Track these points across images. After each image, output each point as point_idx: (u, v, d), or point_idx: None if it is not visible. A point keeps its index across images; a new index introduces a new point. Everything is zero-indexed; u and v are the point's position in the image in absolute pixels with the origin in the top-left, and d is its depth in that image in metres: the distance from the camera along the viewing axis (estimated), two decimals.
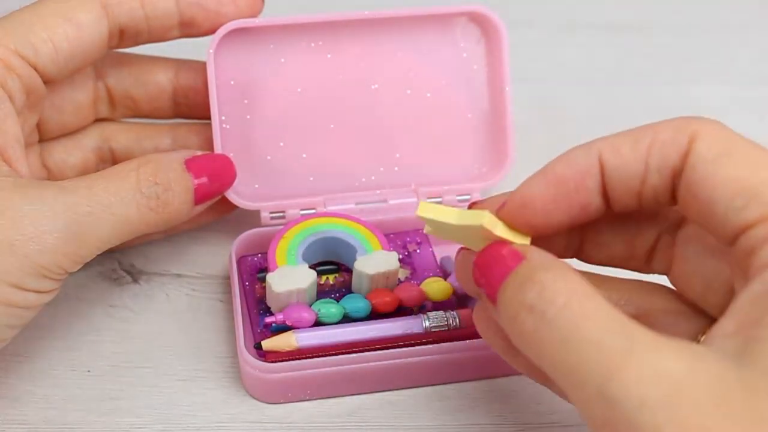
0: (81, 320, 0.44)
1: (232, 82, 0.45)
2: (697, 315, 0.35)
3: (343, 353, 0.40)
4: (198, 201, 0.41)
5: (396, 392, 0.41)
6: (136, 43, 0.43)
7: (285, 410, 0.41)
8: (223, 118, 0.45)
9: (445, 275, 0.44)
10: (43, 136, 0.45)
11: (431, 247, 0.46)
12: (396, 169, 0.48)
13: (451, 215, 0.35)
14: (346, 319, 0.42)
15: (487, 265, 0.33)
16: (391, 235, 0.46)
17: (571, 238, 0.37)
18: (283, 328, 0.41)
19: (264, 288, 0.43)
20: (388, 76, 0.47)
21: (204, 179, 0.41)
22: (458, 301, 0.43)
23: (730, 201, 0.30)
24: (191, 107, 0.46)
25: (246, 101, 0.46)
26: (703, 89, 0.59)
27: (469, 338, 0.41)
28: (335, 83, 0.46)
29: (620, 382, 0.27)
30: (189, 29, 0.43)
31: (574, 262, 0.36)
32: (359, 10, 0.45)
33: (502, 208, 0.34)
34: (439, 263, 0.46)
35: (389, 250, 0.44)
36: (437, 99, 0.47)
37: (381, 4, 0.46)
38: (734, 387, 0.27)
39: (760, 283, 0.29)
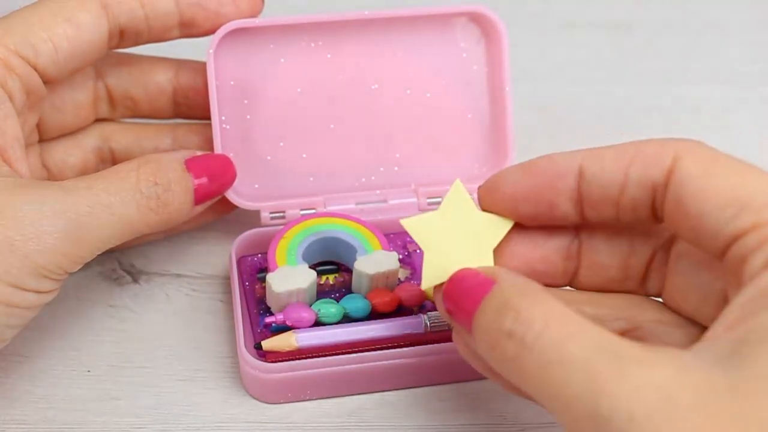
0: (81, 320, 0.44)
1: (232, 83, 0.45)
2: (690, 323, 0.35)
3: (343, 353, 0.40)
4: (198, 201, 0.41)
5: (396, 392, 0.41)
6: (136, 44, 0.43)
7: (285, 410, 0.41)
8: (223, 118, 0.45)
9: None
10: (43, 136, 0.45)
11: None
12: (396, 169, 0.48)
13: (435, 213, 0.36)
14: (346, 319, 0.42)
15: (458, 293, 0.33)
16: (391, 235, 0.46)
17: (569, 261, 0.36)
18: (283, 328, 0.41)
19: (264, 288, 0.43)
20: (388, 76, 0.47)
21: (204, 179, 0.41)
22: None
23: (721, 211, 0.30)
24: (191, 107, 0.46)
25: (246, 101, 0.46)
26: (703, 89, 0.59)
27: None
28: (335, 83, 0.46)
29: (609, 399, 0.27)
30: (189, 29, 0.43)
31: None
32: (359, 10, 0.45)
33: (479, 186, 0.36)
34: None
35: (389, 250, 0.44)
36: (437, 99, 0.47)
37: (381, 4, 0.46)
38: (723, 390, 0.27)
39: (752, 288, 0.29)
